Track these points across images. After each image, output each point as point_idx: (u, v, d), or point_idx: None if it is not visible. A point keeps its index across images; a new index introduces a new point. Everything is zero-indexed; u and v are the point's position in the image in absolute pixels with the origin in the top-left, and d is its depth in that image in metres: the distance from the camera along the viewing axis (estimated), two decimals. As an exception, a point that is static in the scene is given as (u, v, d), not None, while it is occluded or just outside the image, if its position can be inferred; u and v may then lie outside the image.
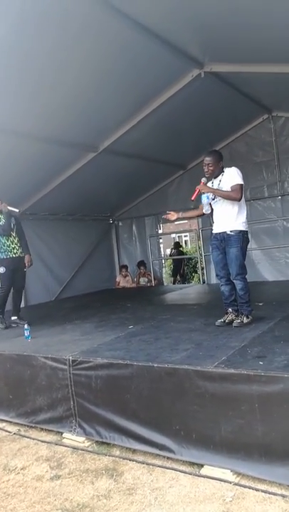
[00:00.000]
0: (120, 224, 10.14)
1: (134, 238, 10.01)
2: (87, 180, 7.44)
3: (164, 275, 11.11)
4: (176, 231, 17.02)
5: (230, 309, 3.87)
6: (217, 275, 3.95)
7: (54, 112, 5.34)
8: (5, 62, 4.18)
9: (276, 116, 7.74)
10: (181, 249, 13.66)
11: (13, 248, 5.05)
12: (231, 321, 3.81)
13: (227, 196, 3.68)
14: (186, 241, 23.02)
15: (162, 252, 13.00)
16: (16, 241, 5.08)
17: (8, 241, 5.03)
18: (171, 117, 6.46)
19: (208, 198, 3.81)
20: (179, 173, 8.88)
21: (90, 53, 4.53)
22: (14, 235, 5.08)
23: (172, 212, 4.12)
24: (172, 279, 11.98)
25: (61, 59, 4.46)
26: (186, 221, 14.47)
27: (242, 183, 3.73)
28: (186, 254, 13.34)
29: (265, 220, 7.99)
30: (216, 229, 3.83)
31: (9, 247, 5.03)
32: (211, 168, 3.76)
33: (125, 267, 9.47)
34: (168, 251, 16.73)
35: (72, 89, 5.07)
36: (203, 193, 3.80)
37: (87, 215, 9.12)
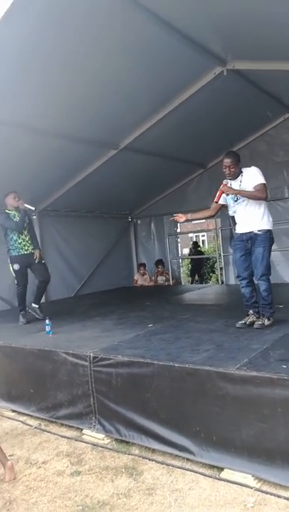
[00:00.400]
0: (139, 222, 10.14)
1: (153, 236, 10.00)
2: (107, 177, 7.46)
3: (182, 274, 11.06)
4: (193, 230, 16.93)
5: (251, 311, 3.84)
6: (238, 276, 3.91)
7: (75, 108, 5.36)
8: (27, 56, 4.19)
9: (297, 115, 7.60)
10: (199, 248, 13.61)
11: (24, 245, 5.17)
12: (252, 323, 3.77)
13: (253, 196, 3.64)
14: (203, 241, 22.89)
15: (180, 251, 12.97)
16: (27, 238, 5.20)
17: (19, 238, 5.15)
18: (192, 115, 6.41)
19: (232, 198, 3.77)
20: (199, 172, 8.81)
21: (111, 49, 4.51)
22: (26, 232, 5.21)
23: (180, 215, 4.10)
24: (190, 278, 11.94)
25: (83, 55, 4.45)
26: (203, 221, 14.38)
27: (264, 182, 3.70)
28: (205, 254, 13.25)
29: (285, 221, 7.87)
30: (242, 229, 3.79)
31: (20, 244, 5.15)
32: (233, 169, 3.73)
33: (143, 265, 9.48)
34: (185, 250, 16.68)
35: (93, 86, 5.06)
36: (228, 194, 3.77)
37: (107, 212, 9.15)
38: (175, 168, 8.29)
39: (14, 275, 5.21)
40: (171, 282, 9.11)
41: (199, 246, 14.29)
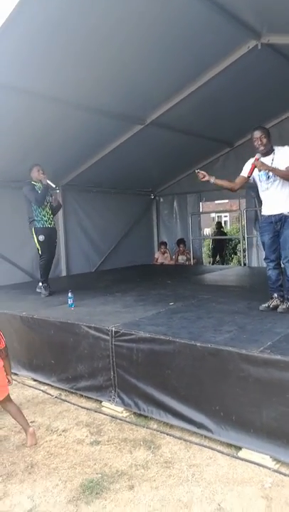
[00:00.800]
0: (161, 200, 10.04)
1: (175, 215, 9.90)
2: (132, 153, 7.35)
3: (203, 254, 10.97)
4: (216, 210, 16.69)
5: (275, 294, 3.77)
6: (266, 258, 3.82)
7: (100, 80, 5.22)
8: (52, 28, 4.08)
9: None
10: (222, 229, 13.45)
11: (48, 219, 5.23)
12: (276, 307, 3.71)
13: (285, 176, 3.51)
14: (225, 221, 22.58)
15: (202, 231, 12.84)
16: (49, 213, 5.25)
17: (43, 211, 5.17)
18: (221, 92, 6.18)
19: (265, 174, 3.62)
20: (226, 151, 8.60)
21: (139, 19, 4.32)
22: (48, 207, 5.24)
23: (203, 172, 3.90)
24: (211, 259, 11.85)
25: (108, 25, 4.29)
26: (226, 201, 14.12)
27: None
28: (227, 235, 13.09)
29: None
30: (271, 211, 3.67)
31: (44, 216, 5.18)
32: (265, 139, 3.59)
33: (164, 243, 9.43)
34: (207, 230, 16.50)
35: (119, 57, 4.88)
36: (260, 170, 3.62)
37: (130, 189, 9.07)
38: (201, 145, 8.09)
39: (38, 246, 5.21)
40: (192, 262, 9.05)
41: (222, 227, 14.10)
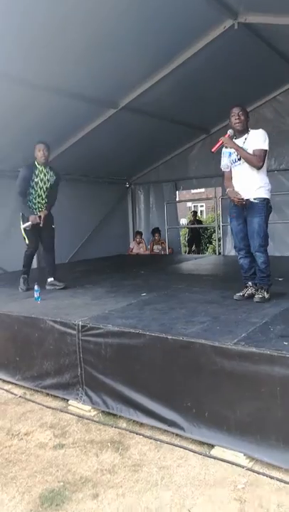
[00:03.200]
0: (138, 189, 9.80)
1: (151, 204, 9.69)
2: (105, 139, 7.07)
3: (181, 244, 10.82)
4: (193, 199, 16.59)
5: (249, 283, 3.65)
6: (235, 247, 3.68)
7: (70, 61, 4.93)
8: (24, 7, 3.80)
9: (311, 80, 7.15)
10: (198, 218, 13.35)
11: (39, 207, 4.73)
12: (251, 295, 3.59)
13: (249, 159, 3.36)
14: (201, 211, 22.56)
15: (179, 221, 12.69)
16: (44, 201, 4.74)
17: (38, 197, 4.70)
18: (197, 74, 5.98)
19: (230, 154, 3.45)
20: (202, 137, 8.41)
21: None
22: (45, 195, 4.74)
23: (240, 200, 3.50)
24: (187, 249, 11.73)
25: (81, 3, 4.04)
26: (202, 189, 14.02)
27: (267, 148, 3.42)
28: (203, 224, 12.99)
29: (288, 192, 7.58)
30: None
31: (35, 204, 4.70)
32: (242, 117, 3.43)
33: (140, 233, 9.23)
34: (183, 220, 16.39)
35: (91, 38, 4.63)
36: (226, 147, 3.44)
37: (103, 177, 8.79)
38: (176, 131, 7.89)
39: (24, 234, 4.74)
40: (167, 251, 8.89)
41: (198, 216, 14.00)
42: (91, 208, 8.54)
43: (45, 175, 4.69)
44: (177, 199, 10.20)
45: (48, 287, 4.69)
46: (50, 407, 3.15)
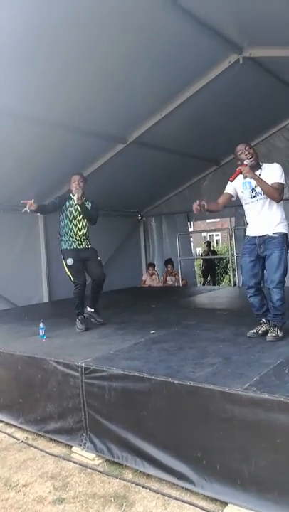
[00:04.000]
0: (150, 221, 9.79)
1: (164, 236, 9.65)
2: (116, 173, 7.14)
3: (196, 275, 10.63)
4: (207, 229, 16.50)
5: (263, 320, 3.46)
6: (245, 284, 3.48)
7: (80, 99, 5.07)
8: (30, 45, 3.93)
9: None
10: (212, 249, 13.20)
11: (78, 239, 4.42)
12: (265, 332, 3.39)
13: (269, 191, 3.22)
14: (217, 240, 22.42)
15: (193, 251, 12.57)
16: (81, 232, 4.43)
17: (71, 224, 4.38)
18: (204, 108, 6.04)
19: (250, 184, 3.32)
20: (212, 169, 8.43)
21: (119, 35, 4.19)
22: (82, 224, 4.44)
23: (197, 207, 3.37)
24: (202, 280, 11.54)
25: (89, 42, 4.16)
26: (218, 219, 13.94)
27: (284, 183, 3.31)
28: (217, 254, 12.83)
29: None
30: (254, 231, 3.36)
31: (73, 236, 4.38)
32: (251, 151, 3.30)
33: (152, 265, 9.14)
34: (198, 250, 16.27)
35: (99, 75, 4.76)
36: (246, 177, 3.27)
37: (115, 210, 8.82)
38: (187, 164, 7.93)
39: (68, 272, 4.40)
40: (180, 283, 8.73)
41: (212, 246, 13.86)
42: (103, 240, 8.47)
43: (78, 206, 4.32)
44: (191, 229, 10.13)
45: (85, 315, 4.49)
46: (52, 455, 2.97)
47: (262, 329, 3.42)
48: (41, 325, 3.94)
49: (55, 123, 5.35)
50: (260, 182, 3.23)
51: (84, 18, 3.82)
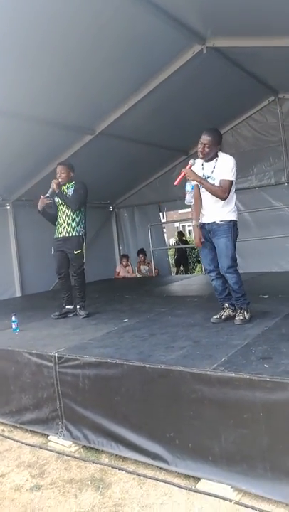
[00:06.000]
0: (121, 212, 9.80)
1: (136, 226, 9.68)
2: (85, 165, 7.04)
3: (170, 264, 10.73)
4: (179, 219, 16.65)
5: (226, 304, 3.55)
6: (206, 269, 3.60)
7: (46, 90, 5.00)
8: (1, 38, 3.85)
9: (283, 98, 7.31)
10: (184, 238, 13.34)
11: (59, 228, 4.39)
12: (228, 317, 3.49)
13: (213, 191, 3.27)
14: (189, 231, 22.64)
15: (167, 241, 12.66)
16: (65, 222, 4.36)
17: (59, 219, 4.40)
18: (171, 98, 6.09)
19: (192, 187, 3.34)
20: (182, 159, 8.49)
21: (84, 27, 4.17)
22: (66, 214, 4.38)
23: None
24: (175, 269, 11.68)
25: (55, 33, 4.11)
26: (190, 209, 14.10)
27: (232, 179, 3.30)
28: (190, 244, 12.99)
29: (272, 208, 7.63)
30: (204, 219, 3.44)
31: (56, 225, 4.41)
32: (208, 149, 3.28)
33: (126, 256, 9.17)
34: (171, 240, 16.40)
35: (64, 66, 4.71)
36: (189, 180, 3.32)
37: (87, 202, 8.76)
38: (156, 154, 7.97)
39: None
40: (154, 273, 8.82)
41: (184, 235, 14.01)
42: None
43: (64, 191, 4.35)
44: (164, 220, 10.20)
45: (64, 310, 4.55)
46: (28, 445, 3.00)
47: (225, 314, 3.51)
48: (13, 318, 3.93)
49: (20, 114, 5.26)
50: (203, 183, 3.27)
51: (51, 10, 3.77)
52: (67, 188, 4.40)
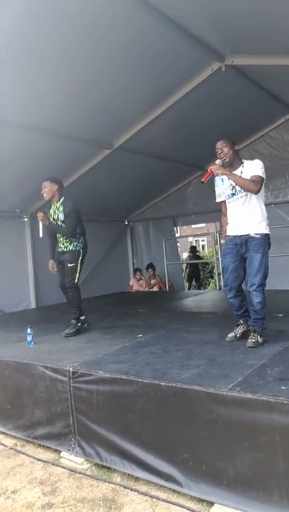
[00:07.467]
0: (136, 226, 9.85)
1: (151, 240, 9.71)
2: (102, 179, 7.19)
3: (184, 279, 10.69)
4: (193, 234, 16.63)
5: (241, 321, 3.47)
6: (226, 285, 3.44)
7: (66, 105, 5.12)
8: (17, 51, 3.96)
9: (300, 116, 7.32)
10: (197, 253, 13.30)
11: (60, 242, 4.46)
12: (243, 334, 3.42)
13: (244, 183, 3.17)
14: (203, 245, 22.59)
15: (181, 256, 12.63)
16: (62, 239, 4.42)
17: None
18: (188, 115, 6.16)
19: (222, 180, 3.27)
20: (197, 174, 8.53)
21: (103, 42, 4.26)
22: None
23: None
24: (187, 284, 11.63)
25: (75, 48, 4.21)
26: (203, 225, 14.07)
27: (263, 176, 3.22)
28: (203, 259, 12.95)
29: (287, 226, 7.56)
30: (235, 231, 3.33)
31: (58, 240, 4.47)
32: (226, 148, 3.24)
33: (139, 270, 9.19)
34: (184, 255, 16.34)
35: (85, 81, 4.81)
36: (217, 174, 3.23)
37: (102, 215, 8.86)
38: (172, 169, 8.03)
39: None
40: (164, 287, 8.81)
41: (197, 251, 13.97)
42: (90, 246, 8.43)
43: (54, 212, 4.34)
44: (178, 234, 10.21)
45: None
46: (41, 460, 2.98)
47: (240, 331, 3.43)
48: (29, 331, 3.95)
49: (40, 128, 5.38)
50: (232, 176, 3.20)
51: (70, 25, 3.87)
52: (58, 209, 4.31)
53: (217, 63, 5.24)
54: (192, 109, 6.02)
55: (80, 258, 4.41)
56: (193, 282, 11.39)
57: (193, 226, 16.15)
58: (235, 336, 3.43)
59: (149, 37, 4.36)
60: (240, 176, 3.22)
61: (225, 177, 3.28)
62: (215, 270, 9.32)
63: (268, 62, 5.05)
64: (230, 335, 3.44)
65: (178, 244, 10.75)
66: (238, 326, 3.48)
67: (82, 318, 4.51)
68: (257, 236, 3.24)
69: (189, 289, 11.09)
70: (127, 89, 5.21)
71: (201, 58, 5.10)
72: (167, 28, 4.25)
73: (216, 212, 7.63)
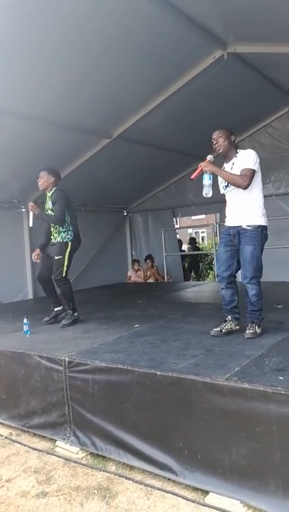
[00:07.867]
0: (135, 216, 9.78)
1: (150, 231, 9.65)
2: (101, 168, 7.11)
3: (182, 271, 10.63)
4: (192, 226, 16.57)
5: (229, 317, 3.35)
6: (218, 275, 3.37)
7: (64, 94, 5.02)
8: (14, 41, 3.88)
9: (303, 106, 7.23)
10: (196, 245, 13.26)
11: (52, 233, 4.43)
12: (229, 331, 3.31)
13: (232, 179, 3.14)
14: (202, 237, 22.55)
15: (180, 247, 12.57)
16: (54, 229, 4.40)
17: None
18: (189, 103, 6.06)
19: (210, 178, 3.24)
20: (198, 165, 8.43)
21: (102, 29, 4.16)
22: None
23: None
24: (187, 275, 11.59)
25: (71, 35, 4.11)
26: (203, 216, 14.01)
27: (254, 168, 3.14)
28: (202, 251, 12.90)
29: (286, 217, 7.51)
30: (229, 222, 3.30)
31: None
32: (222, 139, 3.20)
33: (138, 261, 9.15)
34: (184, 246, 16.29)
35: (85, 70, 4.72)
36: (206, 172, 3.22)
37: (101, 206, 8.80)
38: (172, 160, 7.93)
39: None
40: (162, 279, 8.78)
41: (197, 242, 13.92)
42: (89, 237, 8.40)
43: (47, 202, 4.38)
44: (178, 226, 10.15)
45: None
46: (36, 449, 2.97)
47: (226, 327, 3.31)
48: (25, 321, 3.92)
49: (37, 118, 5.29)
50: (220, 173, 3.19)
51: (67, 11, 3.78)
52: (50, 198, 4.33)
53: (219, 51, 5.13)
54: (193, 99, 5.93)
55: (69, 250, 4.31)
56: (192, 273, 11.36)
57: (192, 217, 16.14)
58: (220, 331, 3.30)
59: (150, 23, 4.26)
60: (229, 172, 3.20)
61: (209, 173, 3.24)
62: (214, 262, 9.26)
63: (272, 50, 4.96)
64: (216, 329, 3.32)
65: (177, 235, 10.69)
66: (225, 321, 3.35)
67: (58, 309, 4.47)
68: (249, 228, 3.19)
69: (188, 280, 11.06)
70: (126, 78, 5.12)
71: (204, 46, 4.99)
72: (170, 15, 4.14)
73: (215, 203, 7.65)
